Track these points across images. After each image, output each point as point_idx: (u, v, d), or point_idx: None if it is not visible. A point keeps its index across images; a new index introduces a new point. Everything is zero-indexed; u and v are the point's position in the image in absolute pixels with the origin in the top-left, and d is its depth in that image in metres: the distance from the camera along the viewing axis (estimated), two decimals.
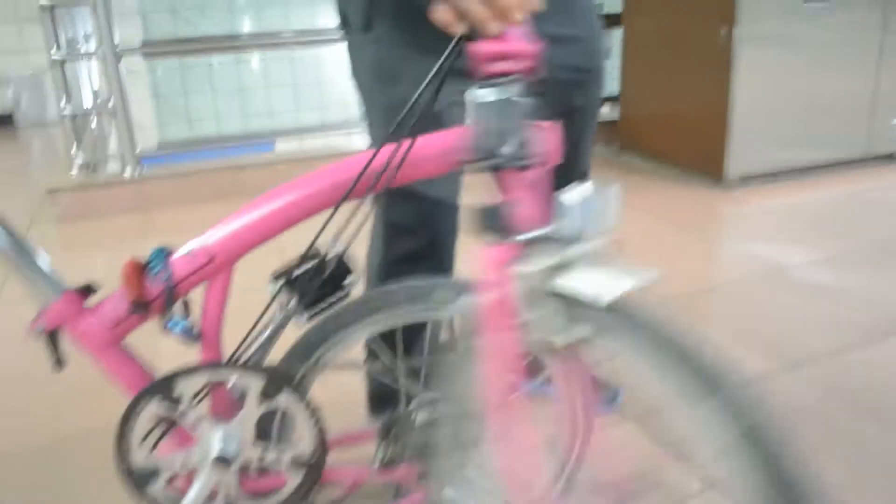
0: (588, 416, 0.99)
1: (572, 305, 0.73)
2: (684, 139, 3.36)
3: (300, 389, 0.91)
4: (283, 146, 3.58)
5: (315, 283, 0.92)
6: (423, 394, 1.02)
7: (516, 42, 0.73)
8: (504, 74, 0.73)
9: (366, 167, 0.85)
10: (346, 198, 0.86)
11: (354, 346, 0.99)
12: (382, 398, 1.25)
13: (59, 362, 0.89)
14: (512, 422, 0.83)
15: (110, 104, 3.08)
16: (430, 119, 0.83)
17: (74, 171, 3.18)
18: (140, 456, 0.91)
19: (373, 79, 1.14)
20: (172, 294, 0.85)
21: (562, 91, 1.19)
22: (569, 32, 1.18)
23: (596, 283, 0.70)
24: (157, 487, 0.93)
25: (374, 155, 0.85)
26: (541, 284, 0.73)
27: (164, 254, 0.87)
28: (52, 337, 0.87)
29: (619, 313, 0.71)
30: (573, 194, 0.74)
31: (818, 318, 2.01)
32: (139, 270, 0.85)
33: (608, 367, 1.26)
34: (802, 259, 2.43)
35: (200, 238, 0.88)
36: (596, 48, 1.27)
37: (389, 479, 1.03)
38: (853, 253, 2.48)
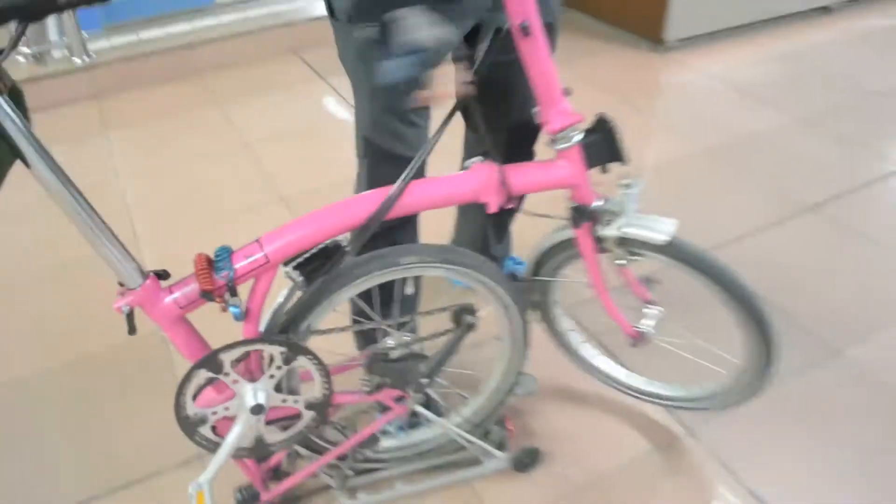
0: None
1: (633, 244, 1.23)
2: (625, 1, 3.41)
3: (310, 352, 1.15)
4: (227, 15, 3.52)
5: (315, 264, 1.13)
6: (396, 334, 1.28)
7: None
8: None
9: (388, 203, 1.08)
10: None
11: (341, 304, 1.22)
12: (366, 339, 1.49)
13: (132, 330, 1.09)
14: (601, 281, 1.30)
15: None
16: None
17: (21, 61, 3.14)
18: (192, 409, 1.16)
19: (359, 63, 1.27)
20: (233, 286, 1.06)
21: None
22: None
23: (646, 228, 1.20)
24: (206, 430, 1.19)
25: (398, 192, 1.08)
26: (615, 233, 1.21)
27: (228, 253, 1.06)
28: (131, 311, 1.08)
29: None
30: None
31: (735, 201, 2.29)
32: (209, 265, 1.05)
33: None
34: (734, 134, 2.67)
35: (256, 243, 1.08)
36: None
37: (375, 400, 1.31)
38: (780, 130, 2.72)
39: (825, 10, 3.66)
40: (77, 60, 3.15)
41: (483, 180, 1.14)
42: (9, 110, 0.87)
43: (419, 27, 1.09)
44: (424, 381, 1.26)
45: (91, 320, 1.91)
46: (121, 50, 3.26)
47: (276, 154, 2.70)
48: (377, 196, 1.10)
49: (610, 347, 1.70)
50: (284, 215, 2.31)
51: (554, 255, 1.34)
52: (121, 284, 1.07)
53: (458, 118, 1.21)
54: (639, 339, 1.40)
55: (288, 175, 2.55)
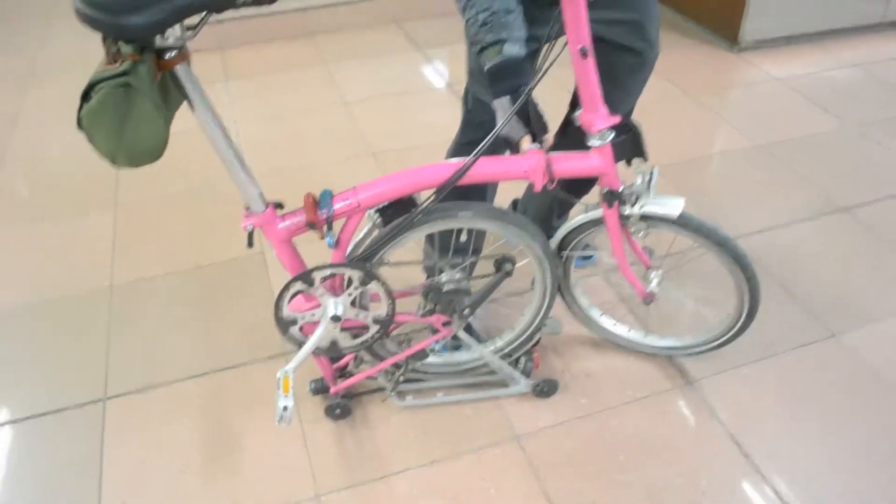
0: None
1: (652, 219, 1.55)
2: None
3: (381, 278, 1.50)
4: None
5: (392, 210, 1.48)
6: (449, 271, 1.61)
7: None
8: None
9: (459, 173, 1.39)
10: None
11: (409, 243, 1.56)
12: (428, 273, 1.84)
13: (250, 244, 1.45)
14: (623, 253, 1.62)
15: None
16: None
17: None
18: (286, 311, 1.53)
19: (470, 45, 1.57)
20: (331, 221, 1.41)
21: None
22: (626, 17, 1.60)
23: (663, 206, 1.51)
24: (295, 330, 1.57)
25: (472, 162, 1.39)
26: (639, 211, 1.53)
27: (329, 196, 1.41)
28: (252, 230, 1.45)
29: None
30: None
31: (775, 195, 2.51)
32: (315, 203, 1.41)
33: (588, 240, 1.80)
34: (789, 135, 2.86)
35: (353, 190, 1.42)
36: (651, 28, 1.65)
37: (427, 322, 1.66)
38: (835, 134, 2.89)
39: None
40: None
41: (532, 164, 1.44)
42: (188, 72, 1.23)
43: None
44: (467, 310, 1.60)
45: (208, 237, 2.34)
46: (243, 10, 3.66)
47: (372, 114, 3.07)
48: (453, 165, 1.43)
49: (623, 316, 2.00)
50: (373, 167, 2.67)
51: (581, 232, 1.64)
52: (247, 208, 1.44)
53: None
54: (650, 297, 1.70)
55: (380, 133, 2.92)
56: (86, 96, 1.16)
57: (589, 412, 1.75)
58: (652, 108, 3.02)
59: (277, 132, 2.95)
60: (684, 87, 3.21)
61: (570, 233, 1.66)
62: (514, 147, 1.47)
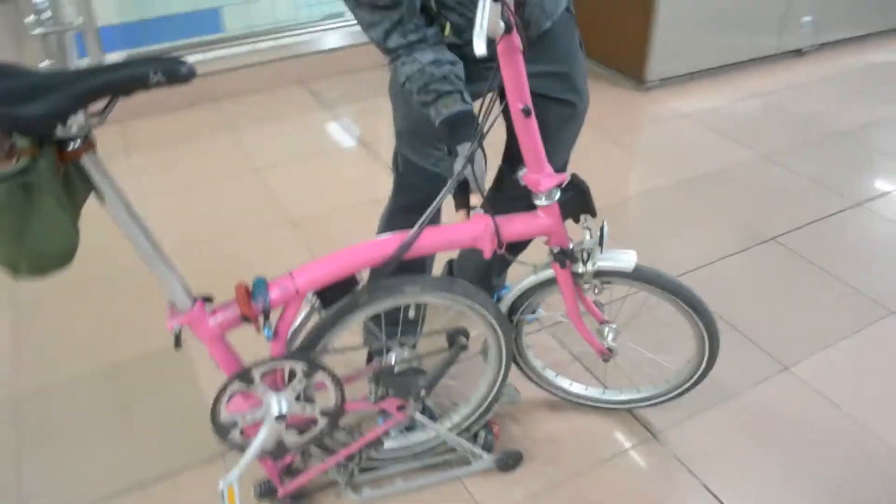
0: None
1: (605, 275, 1.49)
2: (609, 40, 3.63)
3: (327, 367, 1.37)
4: (239, 47, 3.74)
5: (332, 292, 1.36)
6: (398, 351, 1.50)
7: None
8: None
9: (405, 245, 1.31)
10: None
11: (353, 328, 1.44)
12: (374, 355, 1.71)
13: (178, 344, 1.30)
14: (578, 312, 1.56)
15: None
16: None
17: None
18: (224, 415, 1.37)
19: (399, 96, 1.55)
20: (268, 312, 1.28)
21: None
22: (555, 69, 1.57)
23: (616, 260, 1.46)
24: (235, 434, 1.41)
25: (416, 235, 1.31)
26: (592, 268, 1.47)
27: (264, 284, 1.28)
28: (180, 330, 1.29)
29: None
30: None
31: (703, 231, 2.53)
32: (248, 294, 1.27)
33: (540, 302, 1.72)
34: (705, 169, 2.91)
35: (289, 276, 1.30)
36: (579, 78, 1.63)
37: (380, 408, 1.53)
38: (748, 165, 2.97)
39: (798, 52, 3.92)
40: None
41: (480, 230, 1.36)
42: (95, 162, 1.09)
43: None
44: (423, 392, 1.48)
45: (125, 329, 2.13)
46: None
47: (285, 178, 2.93)
48: (394, 240, 1.33)
49: (578, 374, 1.93)
50: (293, 236, 2.53)
51: (532, 294, 1.57)
52: (171, 305, 1.29)
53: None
54: (608, 354, 1.64)
55: (296, 199, 2.78)
56: None
57: (558, 481, 1.66)
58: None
59: (187, 206, 2.77)
60: (599, 128, 3.23)
61: (520, 296, 1.58)
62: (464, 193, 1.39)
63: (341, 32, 3.76)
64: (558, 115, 1.63)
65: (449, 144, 1.37)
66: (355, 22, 1.37)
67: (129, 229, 1.17)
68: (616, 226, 2.54)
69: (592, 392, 1.81)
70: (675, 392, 1.73)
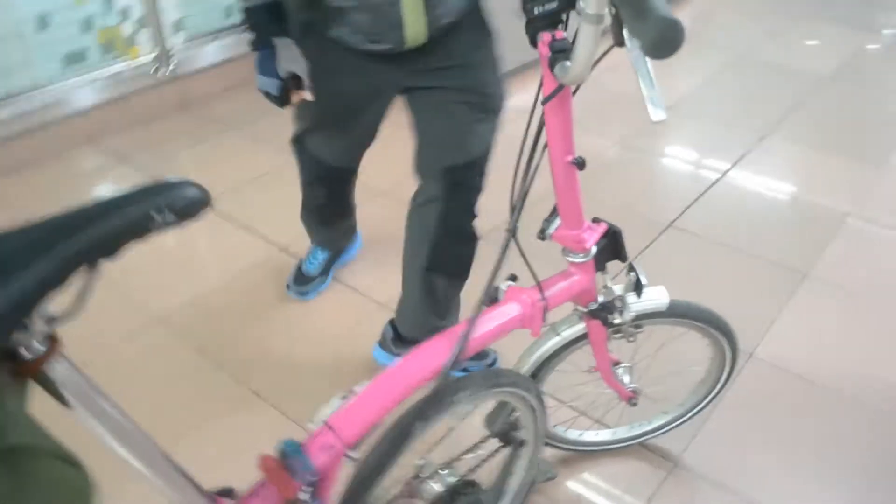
0: None
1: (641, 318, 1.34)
2: None
3: None
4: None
5: None
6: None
7: None
8: None
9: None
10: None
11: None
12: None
13: None
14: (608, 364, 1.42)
15: None
16: None
17: None
18: None
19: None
20: (317, 485, 0.95)
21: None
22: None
23: (650, 301, 1.31)
24: None
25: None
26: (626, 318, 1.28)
27: (298, 448, 0.94)
28: None
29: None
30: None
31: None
32: (282, 468, 0.92)
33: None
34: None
35: (326, 430, 0.99)
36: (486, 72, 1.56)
37: None
38: (615, 152, 2.99)
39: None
40: None
41: (529, 309, 1.15)
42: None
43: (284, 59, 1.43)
44: None
45: None
46: None
47: (133, 269, 2.39)
48: (440, 347, 1.06)
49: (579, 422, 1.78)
50: (171, 337, 2.05)
51: (555, 358, 1.37)
52: None
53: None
54: (634, 396, 1.49)
55: (153, 290, 2.27)
56: None
57: None
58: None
59: None
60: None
61: (544, 362, 1.38)
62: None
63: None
64: (464, 106, 1.54)
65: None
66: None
67: (112, 441, 0.80)
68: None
69: (605, 436, 1.67)
70: (690, 414, 1.65)
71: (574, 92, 1.02)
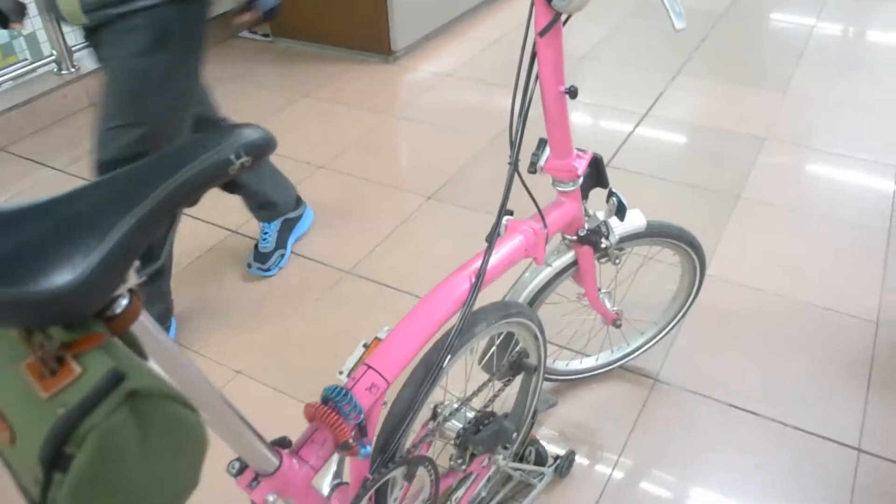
0: None
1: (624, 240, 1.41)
2: (349, 22, 3.47)
3: (428, 460, 1.12)
4: None
5: None
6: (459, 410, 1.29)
7: None
8: None
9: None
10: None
11: None
12: None
13: None
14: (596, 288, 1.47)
15: None
16: None
17: None
18: None
19: None
20: (364, 426, 0.97)
21: None
22: None
23: (630, 224, 1.38)
24: None
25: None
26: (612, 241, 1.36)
27: (343, 392, 0.96)
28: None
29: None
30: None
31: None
32: (334, 412, 0.94)
33: None
34: (504, 124, 2.95)
35: (365, 369, 1.01)
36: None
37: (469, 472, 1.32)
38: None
39: None
40: None
41: (531, 237, 1.20)
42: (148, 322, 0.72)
43: None
44: (515, 435, 1.29)
45: None
46: None
47: None
48: (463, 278, 1.10)
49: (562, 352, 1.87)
50: None
51: (549, 287, 1.44)
52: (239, 471, 0.93)
53: None
54: (618, 318, 1.59)
55: None
56: (54, 465, 0.59)
57: (613, 461, 1.59)
58: (357, 136, 2.84)
59: None
60: (364, 106, 3.08)
61: (536, 294, 1.44)
62: None
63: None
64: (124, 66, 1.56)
65: None
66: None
67: (201, 388, 0.81)
68: (470, 196, 2.48)
69: (589, 363, 1.76)
70: (667, 330, 1.76)
71: (564, 22, 1.07)
